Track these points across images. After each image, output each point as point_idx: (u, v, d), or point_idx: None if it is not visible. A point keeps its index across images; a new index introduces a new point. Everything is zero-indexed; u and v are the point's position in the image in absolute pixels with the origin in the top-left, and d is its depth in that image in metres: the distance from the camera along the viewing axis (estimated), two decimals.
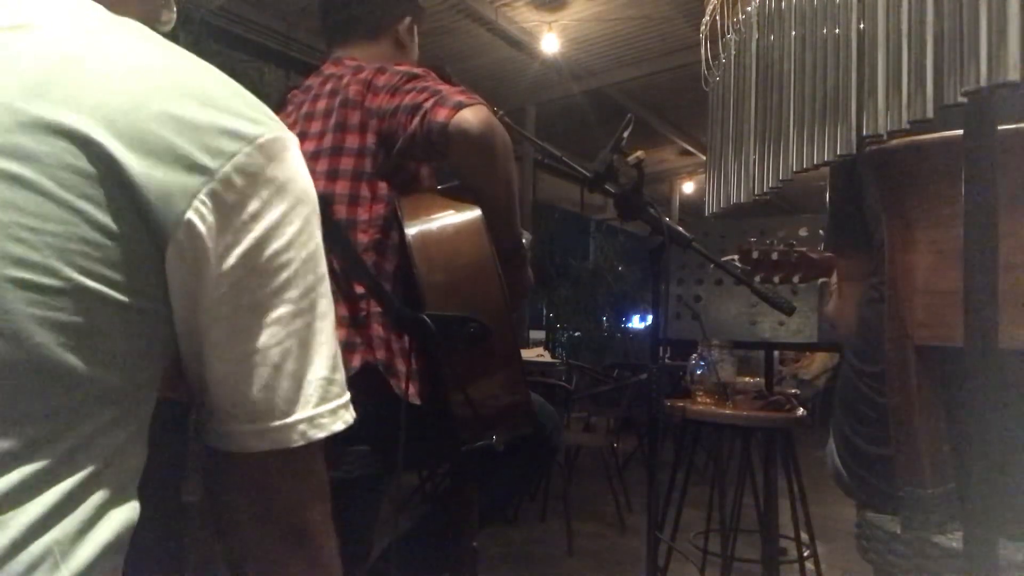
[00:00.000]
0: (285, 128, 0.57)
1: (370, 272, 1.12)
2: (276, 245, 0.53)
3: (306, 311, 0.56)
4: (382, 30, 1.38)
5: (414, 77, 1.19)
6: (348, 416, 0.59)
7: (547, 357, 4.39)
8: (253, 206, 0.52)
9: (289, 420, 0.55)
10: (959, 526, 0.81)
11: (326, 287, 0.58)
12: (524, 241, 1.30)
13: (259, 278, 0.53)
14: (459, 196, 1.17)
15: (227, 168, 0.51)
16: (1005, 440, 0.67)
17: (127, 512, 0.51)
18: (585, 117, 7.06)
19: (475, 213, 1.13)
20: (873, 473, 1.09)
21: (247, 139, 0.52)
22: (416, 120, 1.13)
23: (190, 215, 0.50)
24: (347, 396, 0.59)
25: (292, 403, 0.55)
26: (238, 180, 0.52)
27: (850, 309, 1.31)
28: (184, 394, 0.59)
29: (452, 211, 1.14)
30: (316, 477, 0.59)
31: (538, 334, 7.06)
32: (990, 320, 0.65)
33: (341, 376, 0.59)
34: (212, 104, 0.53)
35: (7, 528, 0.44)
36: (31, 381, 0.46)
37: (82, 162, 0.47)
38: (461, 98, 1.11)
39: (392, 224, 1.17)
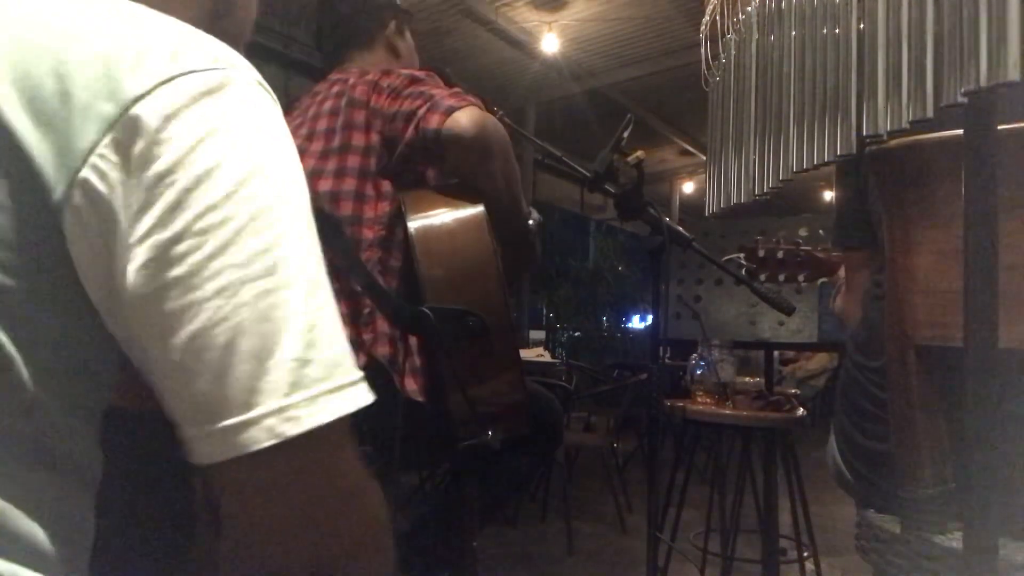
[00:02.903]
0: (239, 64, 0.47)
1: (366, 268, 1.13)
2: (208, 199, 0.42)
3: (259, 277, 0.43)
4: (372, 41, 1.42)
5: (416, 80, 1.21)
6: (339, 403, 0.44)
7: (547, 357, 4.39)
8: (172, 154, 0.42)
9: (251, 415, 0.42)
10: (959, 526, 0.81)
11: (295, 248, 0.45)
12: (532, 221, 1.31)
13: (187, 241, 0.42)
14: (463, 192, 1.17)
15: (133, 110, 0.41)
16: (1005, 440, 0.67)
17: (80, 523, 0.45)
18: (585, 117, 7.05)
19: (477, 209, 1.13)
20: (873, 469, 1.09)
21: (163, 77, 0.43)
22: (411, 128, 1.15)
23: (85, 172, 0.41)
24: (340, 379, 0.45)
25: (253, 393, 0.42)
26: (149, 123, 0.42)
27: (856, 301, 1.31)
28: (134, 400, 0.50)
29: (455, 207, 1.15)
30: (330, 476, 0.45)
31: (538, 334, 7.06)
32: (990, 320, 0.65)
33: (327, 356, 0.45)
34: (129, 41, 0.44)
35: None
36: None
37: None
38: (452, 102, 1.13)
39: (397, 221, 1.18)
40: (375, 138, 1.20)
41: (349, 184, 1.18)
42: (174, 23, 0.47)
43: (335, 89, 1.28)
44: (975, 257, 0.66)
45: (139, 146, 0.42)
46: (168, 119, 0.42)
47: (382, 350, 1.11)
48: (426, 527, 1.41)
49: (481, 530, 1.32)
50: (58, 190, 0.41)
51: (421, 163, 1.24)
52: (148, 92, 0.42)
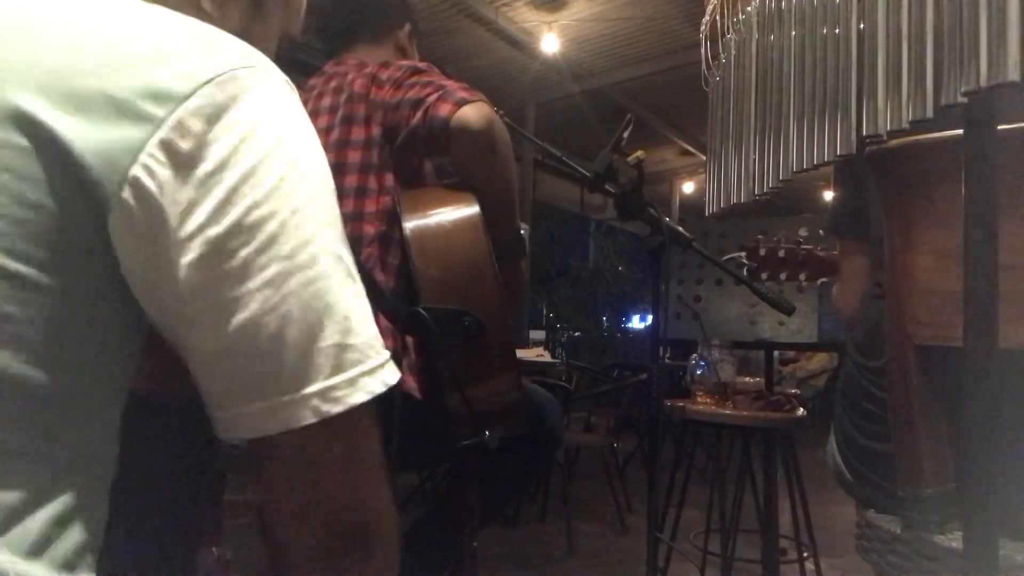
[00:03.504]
0: (265, 64, 0.49)
1: (364, 267, 1.13)
2: (255, 195, 0.45)
3: (303, 267, 0.47)
4: (383, 36, 1.40)
5: (418, 71, 1.20)
6: (373, 384, 0.49)
7: (547, 357, 4.38)
8: (218, 153, 0.44)
9: (297, 395, 0.46)
10: (959, 526, 0.81)
11: (332, 240, 0.49)
12: (522, 232, 1.31)
13: (238, 237, 0.45)
14: (459, 192, 1.17)
15: (179, 112, 0.44)
16: (1005, 440, 0.67)
17: (89, 522, 0.46)
18: (585, 117, 7.05)
19: (473, 209, 1.13)
20: (873, 470, 1.09)
21: (203, 78, 0.45)
22: (419, 114, 1.14)
23: (135, 171, 0.42)
24: (373, 361, 0.50)
25: (300, 375, 0.47)
26: (195, 125, 0.44)
27: (851, 289, 1.31)
28: (167, 388, 0.53)
29: (451, 206, 1.15)
30: (360, 455, 0.50)
31: (538, 334, 7.06)
32: (990, 320, 0.65)
33: (362, 340, 0.50)
34: (162, 46, 0.46)
35: None
36: None
37: (9, 135, 0.41)
38: (464, 94, 1.13)
39: (396, 217, 1.18)
40: (376, 131, 1.20)
41: (350, 180, 1.17)
42: (202, 25, 0.49)
43: (332, 84, 1.27)
44: (975, 257, 0.66)
45: (187, 146, 0.44)
46: (212, 120, 0.45)
47: (387, 343, 1.12)
48: (426, 527, 1.41)
49: (481, 530, 1.32)
50: (107, 188, 0.42)
51: (419, 153, 1.23)
52: (192, 93, 0.44)
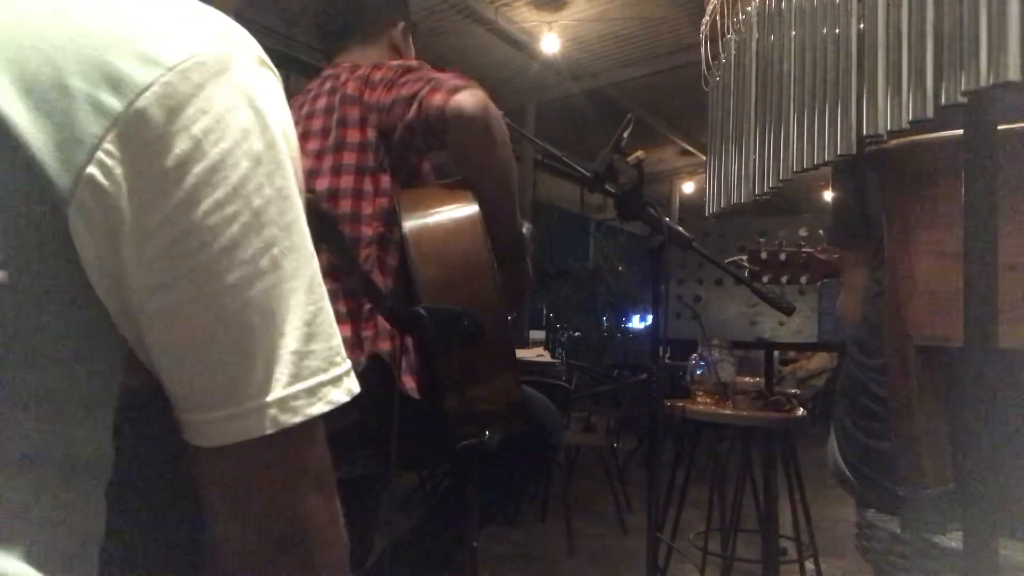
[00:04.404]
0: (244, 45, 0.47)
1: (362, 267, 1.13)
2: (217, 195, 0.42)
3: (266, 272, 0.45)
4: (377, 35, 1.40)
5: (409, 70, 1.20)
6: (336, 394, 0.48)
7: (547, 357, 4.39)
8: (180, 147, 0.41)
9: (254, 404, 0.45)
10: (959, 526, 0.81)
11: (297, 240, 0.47)
12: (524, 230, 1.30)
13: (197, 238, 0.42)
14: (458, 191, 1.17)
15: (139, 104, 0.40)
16: (1005, 440, 0.67)
17: (85, 524, 0.45)
18: (585, 117, 7.05)
19: (472, 209, 1.13)
20: (873, 468, 1.09)
21: (165, 64, 0.41)
22: (413, 108, 1.14)
23: (91, 169, 0.40)
24: (335, 371, 0.48)
25: (259, 384, 0.45)
26: (155, 116, 0.41)
27: (853, 300, 1.31)
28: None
29: (450, 206, 1.15)
30: (304, 465, 0.48)
31: (538, 334, 7.05)
32: (990, 320, 0.65)
33: (323, 346, 0.48)
34: (128, 27, 0.43)
35: None
36: None
37: None
38: (457, 82, 1.13)
39: (395, 218, 1.17)
40: (371, 133, 1.20)
41: (347, 181, 1.17)
42: (175, 2, 0.46)
43: (327, 86, 1.27)
44: (975, 257, 0.66)
45: (145, 140, 0.41)
46: (174, 112, 0.41)
47: (384, 346, 1.11)
48: (426, 527, 1.41)
49: (481, 530, 1.32)
50: (62, 186, 0.40)
51: (418, 150, 1.23)
52: (152, 83, 0.41)
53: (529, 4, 5.35)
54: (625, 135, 1.32)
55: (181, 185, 0.42)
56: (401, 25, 1.42)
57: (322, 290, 0.49)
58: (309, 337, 0.47)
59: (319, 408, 0.47)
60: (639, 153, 1.30)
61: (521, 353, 3.71)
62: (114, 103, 0.40)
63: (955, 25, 0.56)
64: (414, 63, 1.23)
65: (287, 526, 0.48)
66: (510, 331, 1.15)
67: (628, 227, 9.00)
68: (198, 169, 0.42)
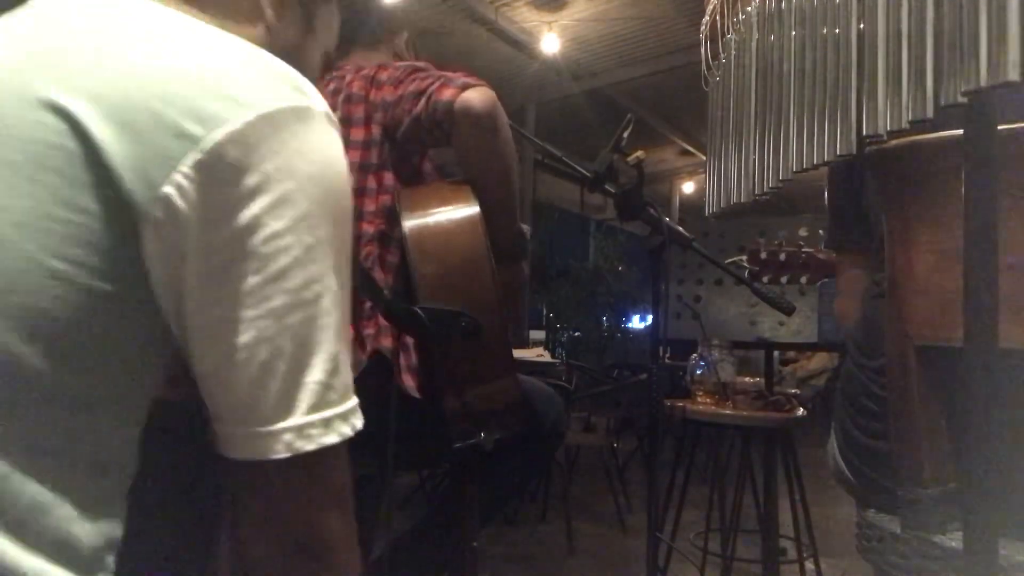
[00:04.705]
0: (317, 101, 0.51)
1: (362, 266, 1.13)
2: (274, 227, 0.47)
3: (307, 304, 0.49)
4: (381, 41, 1.41)
5: (417, 69, 1.21)
6: (345, 428, 0.51)
7: (547, 357, 4.38)
8: (250, 181, 0.46)
9: (274, 428, 0.48)
10: (959, 526, 0.81)
11: (335, 281, 0.51)
12: (524, 230, 1.31)
13: (251, 263, 0.46)
14: (460, 191, 1.17)
15: (218, 136, 0.45)
16: (1005, 440, 0.67)
17: (106, 527, 0.47)
18: (585, 117, 7.05)
19: (473, 209, 1.13)
20: (873, 468, 1.09)
21: (249, 106, 0.46)
22: (422, 102, 1.14)
23: (168, 189, 0.44)
24: (347, 405, 0.52)
25: (280, 409, 0.48)
26: (232, 151, 0.45)
27: (851, 303, 1.31)
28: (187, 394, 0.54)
29: (450, 205, 1.15)
30: (326, 485, 0.52)
31: (538, 334, 7.04)
32: (990, 320, 0.65)
33: (342, 381, 0.52)
34: (215, 70, 0.48)
35: None
36: None
37: (63, 139, 0.44)
38: (468, 80, 1.14)
39: (395, 216, 1.18)
40: (375, 130, 1.20)
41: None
42: (260, 54, 0.51)
43: (331, 87, 1.27)
44: (975, 257, 0.66)
45: (221, 169, 0.45)
46: (251, 149, 0.46)
47: (385, 343, 1.12)
48: (426, 527, 1.41)
49: (481, 530, 1.32)
50: (140, 202, 0.44)
51: (423, 144, 1.23)
52: (235, 119, 0.46)
53: (529, 4, 5.35)
54: (625, 135, 1.32)
55: (246, 212, 0.46)
56: (404, 35, 1.44)
57: (346, 334, 0.53)
58: (334, 372, 0.51)
59: (330, 439, 0.50)
60: (639, 153, 1.30)
61: (521, 353, 3.71)
62: (198, 132, 0.45)
63: (955, 25, 0.56)
64: (421, 64, 1.24)
65: (306, 539, 0.51)
66: (509, 332, 1.15)
67: (628, 227, 9.00)
68: (263, 201, 0.46)
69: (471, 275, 1.10)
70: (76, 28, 0.49)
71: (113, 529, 0.48)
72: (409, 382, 1.12)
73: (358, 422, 0.53)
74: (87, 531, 0.45)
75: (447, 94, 1.11)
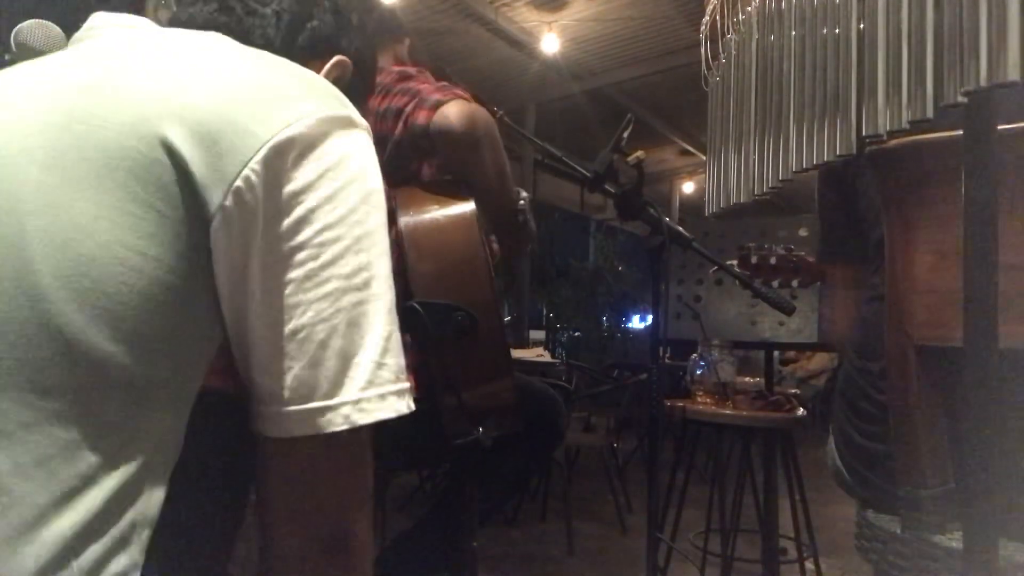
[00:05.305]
0: (360, 117, 0.58)
1: None
2: (328, 219, 0.53)
3: (357, 289, 0.54)
4: (382, 46, 1.41)
5: (405, 77, 1.23)
6: (399, 404, 0.55)
7: (547, 357, 4.38)
8: (306, 177, 0.52)
9: (332, 401, 0.52)
10: (959, 526, 0.81)
11: (383, 269, 0.56)
12: (521, 201, 1.33)
13: (307, 251, 0.52)
14: (454, 189, 1.18)
15: (281, 137, 0.51)
16: (1005, 440, 0.67)
17: (153, 498, 0.51)
18: (585, 117, 7.05)
19: (468, 207, 1.14)
20: (873, 470, 1.09)
21: (308, 113, 0.53)
22: (400, 126, 1.18)
23: (239, 182, 0.50)
24: (401, 384, 0.56)
25: (337, 384, 0.53)
26: (293, 149, 0.52)
27: (840, 317, 1.32)
28: (229, 383, 0.57)
29: (445, 204, 1.16)
30: (361, 476, 0.56)
31: (538, 334, 7.05)
32: (990, 320, 0.65)
33: (395, 361, 0.56)
34: (277, 84, 0.55)
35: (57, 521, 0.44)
36: (60, 361, 0.46)
37: (154, 152, 0.49)
38: (437, 96, 1.15)
39: (391, 217, 1.18)
40: None
41: None
42: (313, 76, 0.59)
43: None
44: (975, 257, 0.66)
45: (282, 166, 0.51)
46: (308, 148, 0.52)
47: None
48: (426, 527, 1.41)
49: (481, 530, 1.32)
50: (214, 200, 0.50)
51: (414, 159, 1.25)
52: (294, 122, 0.52)
53: (529, 4, 5.35)
54: (625, 135, 1.32)
55: (302, 206, 0.52)
56: (407, 42, 1.46)
57: (396, 317, 0.57)
58: (385, 351, 0.55)
59: (385, 413, 0.54)
60: (639, 153, 1.30)
61: (521, 353, 3.71)
62: (265, 132, 0.51)
63: (955, 25, 0.56)
64: (412, 70, 1.26)
65: (335, 530, 0.55)
66: (504, 330, 1.15)
67: (628, 227, 9.01)
68: (318, 195, 0.53)
69: (466, 272, 1.10)
70: (155, 56, 0.56)
71: (152, 507, 0.51)
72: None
73: (411, 403, 0.57)
74: (128, 504, 0.49)
75: (421, 118, 1.14)
